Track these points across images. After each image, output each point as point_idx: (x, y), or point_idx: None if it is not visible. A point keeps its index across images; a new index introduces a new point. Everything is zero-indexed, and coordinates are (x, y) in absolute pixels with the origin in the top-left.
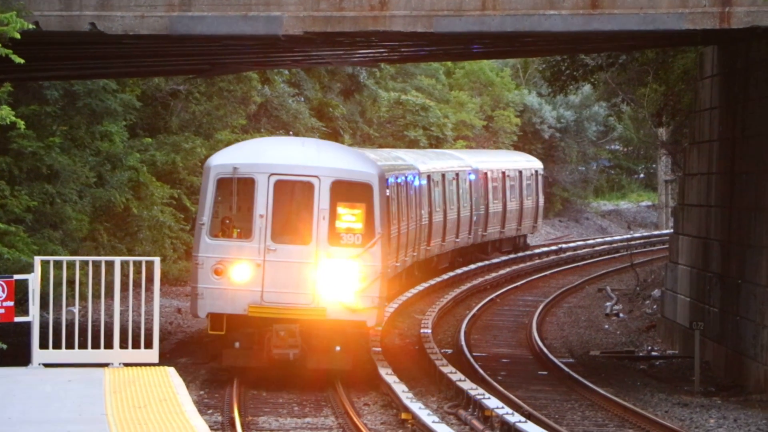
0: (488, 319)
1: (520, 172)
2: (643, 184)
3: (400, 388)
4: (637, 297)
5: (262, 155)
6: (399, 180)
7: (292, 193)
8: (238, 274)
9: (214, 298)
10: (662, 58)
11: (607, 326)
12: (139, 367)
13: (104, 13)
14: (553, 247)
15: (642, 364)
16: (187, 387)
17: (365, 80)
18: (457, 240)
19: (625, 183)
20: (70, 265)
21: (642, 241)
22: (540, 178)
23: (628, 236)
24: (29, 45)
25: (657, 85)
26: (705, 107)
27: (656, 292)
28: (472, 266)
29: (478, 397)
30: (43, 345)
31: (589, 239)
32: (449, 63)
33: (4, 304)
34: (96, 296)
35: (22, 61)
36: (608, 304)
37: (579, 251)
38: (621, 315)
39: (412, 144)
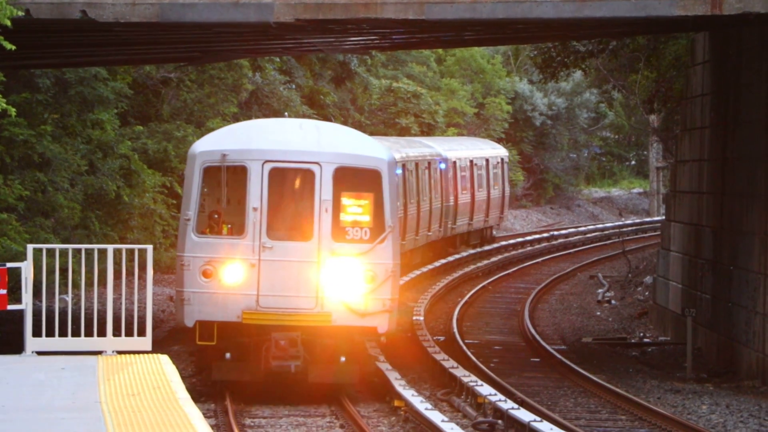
0: (480, 306)
1: (487, 161)
2: (635, 171)
3: (393, 376)
4: (629, 284)
5: (254, 140)
6: None
7: (290, 182)
8: (230, 276)
9: (202, 303)
10: (654, 45)
11: (599, 313)
12: (132, 355)
13: (95, 0)
14: (545, 234)
15: (634, 351)
16: (180, 375)
17: (356, 68)
18: (429, 234)
19: (616, 170)
20: (63, 253)
21: (633, 228)
22: (506, 166)
23: (620, 223)
24: (20, 33)
25: (648, 71)
26: (696, 94)
27: (648, 279)
28: (464, 253)
29: (471, 384)
30: (36, 333)
31: (580, 226)
32: (440, 50)
33: None
34: (89, 284)
35: (13, 47)
36: (600, 291)
37: (570, 238)
38: (613, 302)
39: (404, 131)
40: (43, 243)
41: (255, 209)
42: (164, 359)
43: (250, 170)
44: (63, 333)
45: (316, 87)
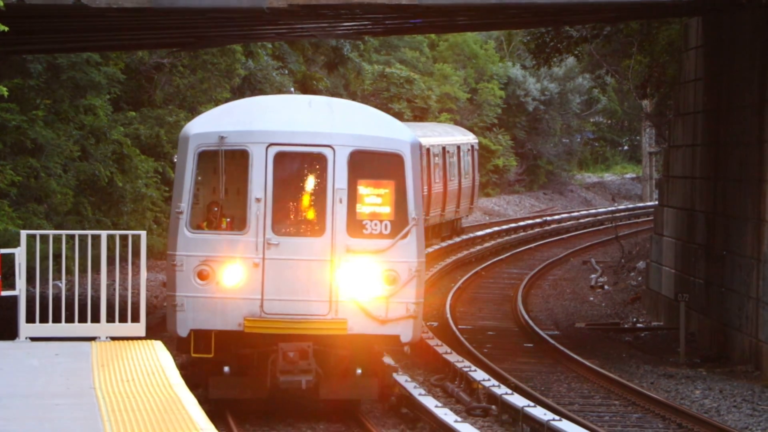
0: (473, 292)
1: (459, 148)
2: (628, 156)
3: (386, 362)
4: (621, 269)
5: (257, 120)
6: None
7: (298, 168)
8: (230, 278)
9: (197, 309)
10: (647, 30)
11: (592, 298)
12: (126, 341)
13: None
14: (538, 220)
15: (627, 336)
16: (174, 361)
17: (349, 53)
18: None
19: (609, 155)
20: (56, 239)
21: (626, 213)
22: (476, 153)
23: (613, 208)
24: (12, 17)
25: (641, 56)
26: (690, 79)
27: (641, 264)
28: (456, 239)
29: (465, 369)
30: (30, 319)
31: (573, 212)
32: (433, 35)
33: None
34: (82, 270)
35: (5, 28)
36: (593, 276)
37: (563, 224)
38: (606, 287)
39: (397, 117)
40: (36, 229)
41: (258, 200)
42: (158, 345)
43: (252, 155)
44: (57, 319)
45: (308, 72)
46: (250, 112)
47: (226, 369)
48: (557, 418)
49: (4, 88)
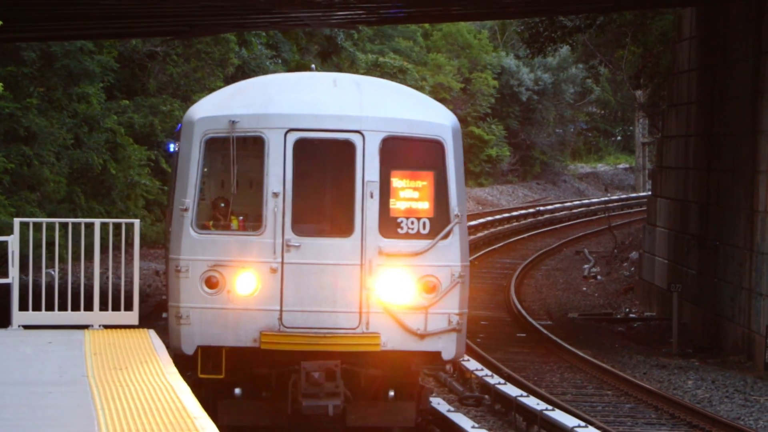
0: None
1: None
2: (621, 147)
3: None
4: (614, 259)
5: (274, 101)
6: None
7: (322, 158)
8: (243, 285)
9: (205, 323)
10: (640, 20)
11: (585, 288)
12: (119, 329)
13: None
14: (531, 210)
15: (620, 326)
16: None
17: (343, 42)
18: None
19: (602, 145)
20: (49, 227)
21: (619, 203)
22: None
23: (606, 198)
24: (6, 5)
25: (635, 47)
26: (683, 69)
27: (634, 255)
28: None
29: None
30: (23, 307)
31: (566, 202)
32: (427, 25)
33: None
34: (75, 258)
35: None
36: (586, 266)
37: (557, 214)
38: (599, 277)
39: None
40: (29, 216)
41: (276, 195)
42: (151, 333)
43: (268, 142)
44: (50, 307)
45: (302, 61)
46: (266, 93)
47: (237, 391)
48: (550, 407)
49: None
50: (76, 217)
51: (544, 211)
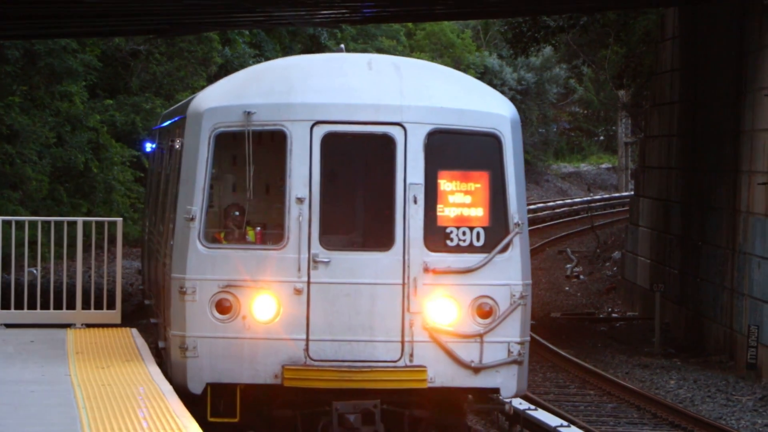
0: None
1: None
2: (603, 147)
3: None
4: (597, 259)
5: (297, 88)
6: None
7: (356, 156)
8: (262, 310)
9: (216, 355)
10: (624, 20)
11: (567, 288)
12: (101, 328)
13: None
14: None
15: (602, 326)
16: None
17: (326, 41)
18: None
19: (585, 145)
20: (32, 226)
21: (602, 203)
22: None
23: (589, 198)
24: None
25: (618, 47)
26: (666, 69)
27: (616, 254)
28: None
29: None
30: (5, 305)
31: (549, 201)
32: (410, 24)
33: None
34: (58, 257)
35: None
36: (569, 266)
37: (539, 213)
38: (581, 277)
39: None
40: (12, 215)
41: (300, 200)
42: (134, 332)
43: (291, 137)
44: (32, 306)
45: None
46: (288, 78)
47: None
48: (533, 407)
49: None
50: (59, 215)
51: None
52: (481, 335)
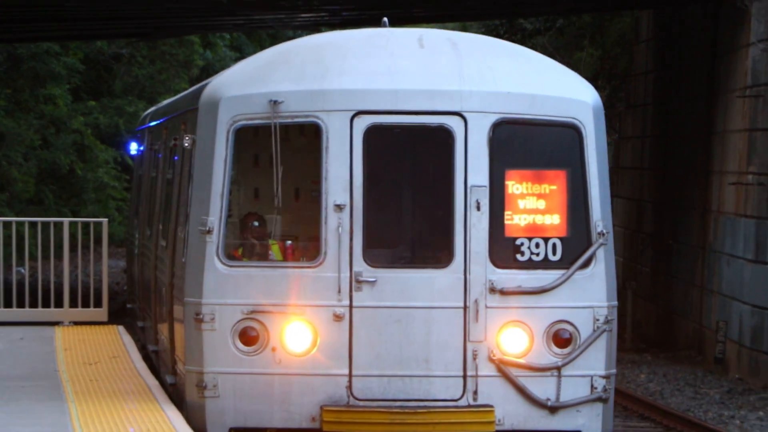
0: None
1: None
2: None
3: None
4: None
5: (333, 71)
6: None
7: (406, 153)
8: (295, 340)
9: (241, 394)
10: (599, 23)
11: None
12: (89, 326)
13: None
14: None
15: None
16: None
17: None
18: None
19: None
20: (19, 226)
21: None
22: None
23: None
24: None
25: (593, 49)
26: (640, 71)
27: None
28: None
29: None
30: None
31: None
32: None
33: None
34: (45, 257)
35: None
36: None
37: None
38: None
39: None
40: None
41: (339, 207)
42: (120, 329)
43: (327, 131)
44: (21, 304)
45: None
46: (322, 60)
47: None
48: None
49: None
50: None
51: None
52: (558, 368)
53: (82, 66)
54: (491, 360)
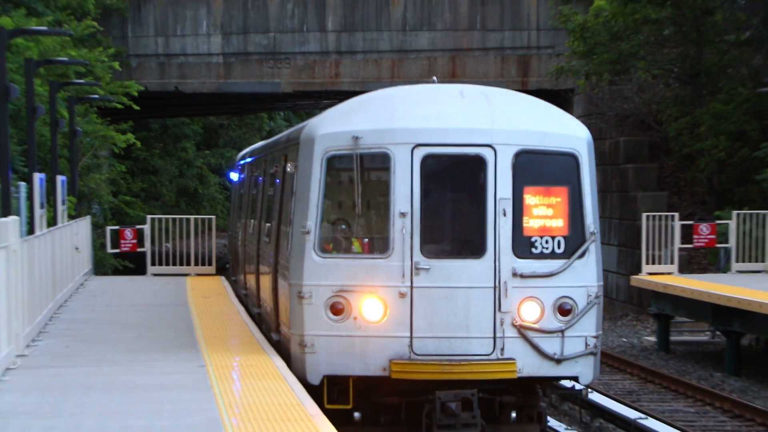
0: None
1: None
2: None
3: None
4: None
5: (399, 115)
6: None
7: (452, 174)
8: (371, 311)
9: (332, 351)
10: None
11: None
12: (204, 276)
13: (182, 81)
14: None
15: None
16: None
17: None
18: None
19: None
20: (167, 222)
21: None
22: None
23: None
24: (142, 98)
25: None
26: None
27: None
28: None
29: None
30: (153, 263)
31: None
32: None
33: (132, 241)
34: (180, 237)
35: (138, 108)
36: None
37: None
38: None
39: None
40: (155, 215)
41: (403, 215)
42: (222, 278)
43: (394, 159)
44: (167, 264)
45: None
46: (390, 106)
47: (357, 415)
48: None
49: (138, 142)
50: (182, 215)
51: None
52: (562, 331)
53: (201, 130)
54: (513, 325)
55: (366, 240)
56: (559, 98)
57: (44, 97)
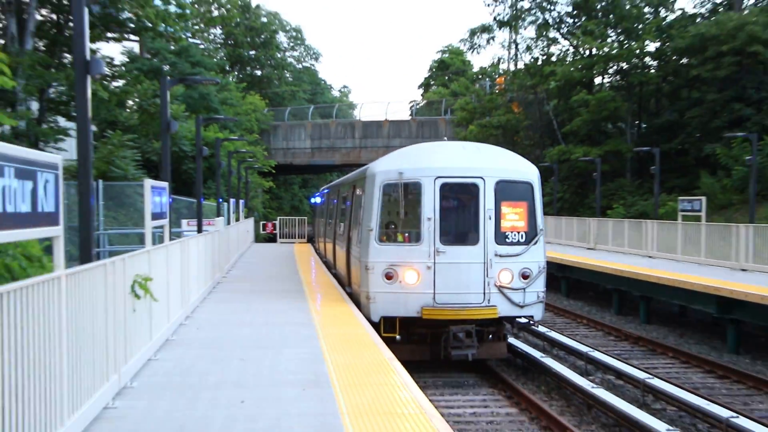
0: None
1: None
2: None
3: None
4: None
5: (426, 159)
6: None
7: (458, 195)
8: (409, 278)
9: (385, 302)
10: None
11: None
12: (300, 243)
13: (293, 160)
14: None
15: None
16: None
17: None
18: None
19: None
20: (286, 219)
21: None
22: None
23: None
24: (277, 168)
25: None
26: None
27: None
28: None
29: None
30: (280, 238)
31: None
32: None
33: (271, 228)
34: (292, 227)
35: (274, 171)
36: None
37: None
38: None
39: None
40: (281, 216)
41: (429, 219)
42: (311, 246)
43: (423, 185)
44: (286, 237)
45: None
46: (420, 155)
47: (398, 337)
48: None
49: (272, 183)
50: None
51: None
52: (523, 289)
53: (300, 180)
54: (495, 286)
55: (406, 234)
56: None
57: (233, 166)
